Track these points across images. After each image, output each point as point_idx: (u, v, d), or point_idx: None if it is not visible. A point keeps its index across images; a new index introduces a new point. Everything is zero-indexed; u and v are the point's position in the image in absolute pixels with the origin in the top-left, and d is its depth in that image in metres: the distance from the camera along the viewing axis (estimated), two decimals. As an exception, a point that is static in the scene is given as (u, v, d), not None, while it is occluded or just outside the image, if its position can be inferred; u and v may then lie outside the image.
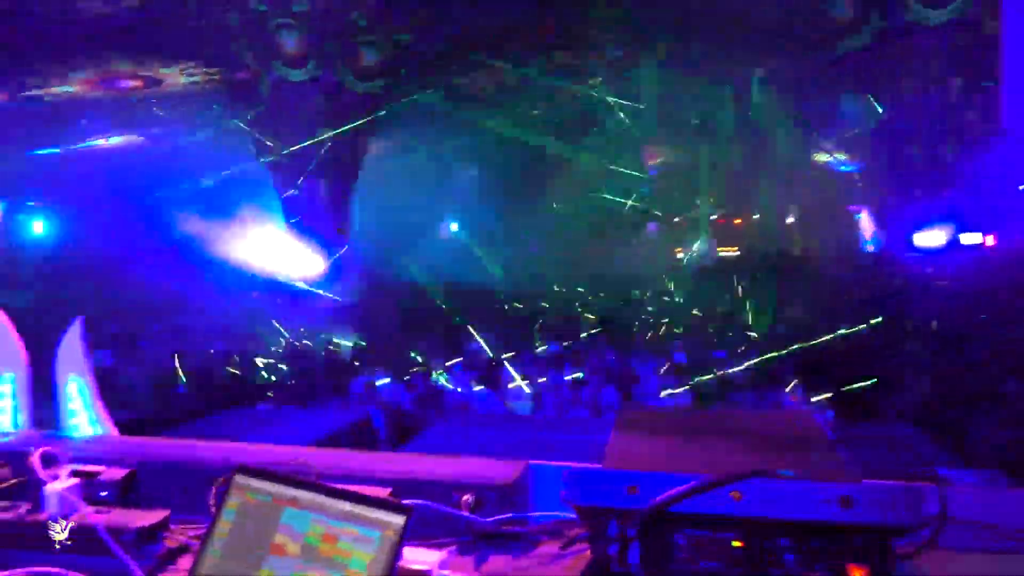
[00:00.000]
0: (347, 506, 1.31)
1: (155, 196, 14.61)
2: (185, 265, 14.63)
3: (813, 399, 9.02)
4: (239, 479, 1.42)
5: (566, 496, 1.32)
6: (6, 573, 1.46)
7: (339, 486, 1.43)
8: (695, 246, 21.56)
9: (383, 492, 1.71)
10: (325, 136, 14.95)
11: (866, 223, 16.40)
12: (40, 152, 15.60)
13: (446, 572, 1.47)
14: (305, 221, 15.48)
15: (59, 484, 1.64)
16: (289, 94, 14.72)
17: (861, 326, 11.43)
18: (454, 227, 21.03)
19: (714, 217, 21.79)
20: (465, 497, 1.69)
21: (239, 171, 16.01)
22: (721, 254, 21.43)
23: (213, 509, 1.47)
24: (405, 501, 1.53)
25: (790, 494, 1.25)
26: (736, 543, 1.27)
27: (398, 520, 1.25)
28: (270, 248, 15.60)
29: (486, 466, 1.82)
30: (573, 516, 1.44)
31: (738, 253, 21.17)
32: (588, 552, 1.37)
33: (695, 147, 18.61)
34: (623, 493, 1.29)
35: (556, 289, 18.64)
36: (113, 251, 13.98)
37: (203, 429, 7.95)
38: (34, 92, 14.27)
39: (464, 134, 17.71)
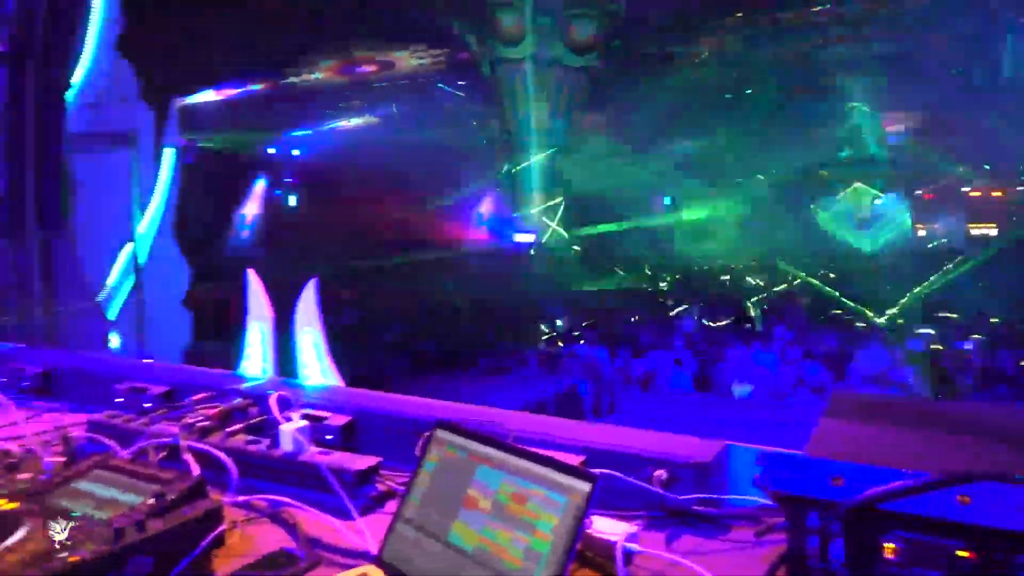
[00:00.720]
0: (536, 468, 1.33)
1: (393, 171, 15.84)
2: (430, 235, 15.81)
3: None
4: (439, 434, 1.51)
5: (759, 480, 1.24)
6: (246, 497, 1.68)
7: (532, 449, 1.46)
8: (940, 223, 19.14)
9: (576, 459, 1.73)
10: (540, 112, 15.25)
11: None
12: (295, 133, 17.54)
13: (634, 545, 1.45)
14: (516, 191, 15.99)
15: (292, 425, 1.85)
16: (506, 72, 15.17)
17: None
18: (667, 202, 20.55)
19: (967, 189, 19.10)
20: (658, 472, 1.66)
21: (466, 149, 16.91)
22: (973, 232, 18.81)
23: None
24: (595, 470, 1.53)
25: (1034, 504, 1.07)
26: (962, 553, 1.11)
27: (584, 487, 1.25)
28: (489, 218, 16.36)
29: (683, 443, 1.77)
30: (772, 504, 1.35)
31: (996, 231, 18.47)
32: (785, 543, 1.28)
33: (946, 108, 16.39)
34: (827, 483, 1.18)
35: (778, 267, 17.62)
36: (361, 220, 15.33)
37: (422, 388, 8.49)
38: (289, 80, 16.02)
39: (680, 105, 17.13)
